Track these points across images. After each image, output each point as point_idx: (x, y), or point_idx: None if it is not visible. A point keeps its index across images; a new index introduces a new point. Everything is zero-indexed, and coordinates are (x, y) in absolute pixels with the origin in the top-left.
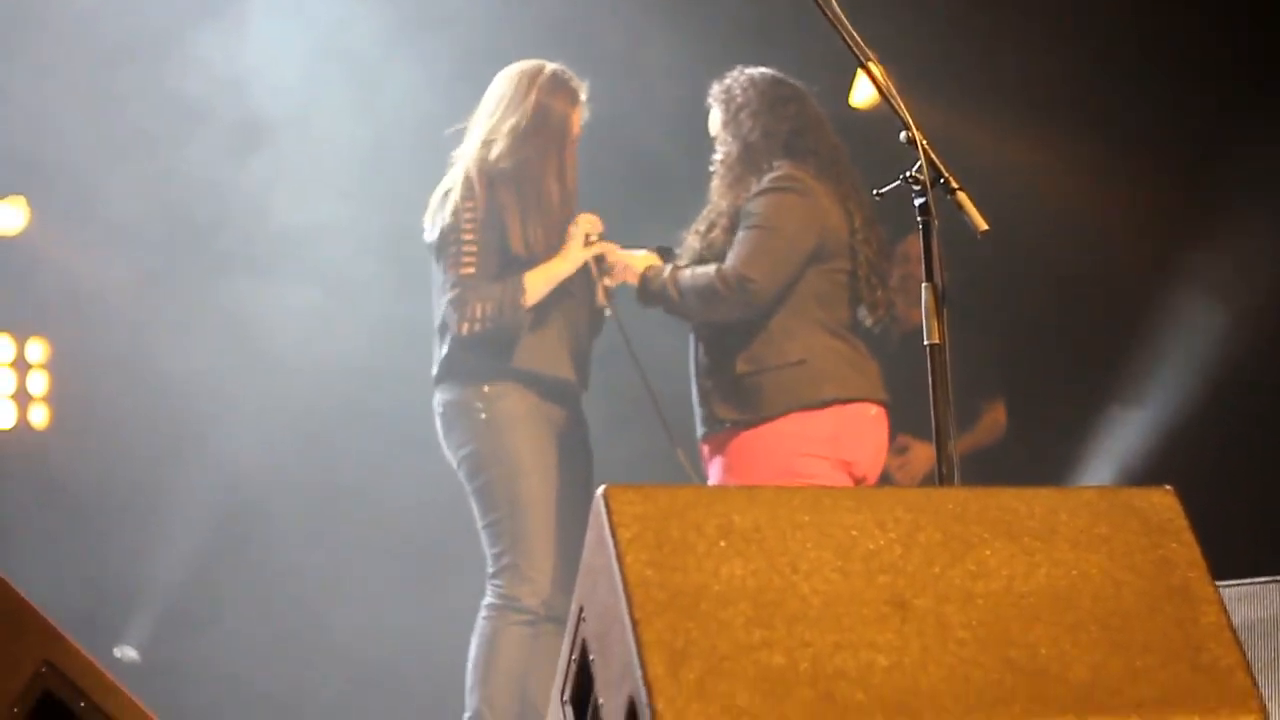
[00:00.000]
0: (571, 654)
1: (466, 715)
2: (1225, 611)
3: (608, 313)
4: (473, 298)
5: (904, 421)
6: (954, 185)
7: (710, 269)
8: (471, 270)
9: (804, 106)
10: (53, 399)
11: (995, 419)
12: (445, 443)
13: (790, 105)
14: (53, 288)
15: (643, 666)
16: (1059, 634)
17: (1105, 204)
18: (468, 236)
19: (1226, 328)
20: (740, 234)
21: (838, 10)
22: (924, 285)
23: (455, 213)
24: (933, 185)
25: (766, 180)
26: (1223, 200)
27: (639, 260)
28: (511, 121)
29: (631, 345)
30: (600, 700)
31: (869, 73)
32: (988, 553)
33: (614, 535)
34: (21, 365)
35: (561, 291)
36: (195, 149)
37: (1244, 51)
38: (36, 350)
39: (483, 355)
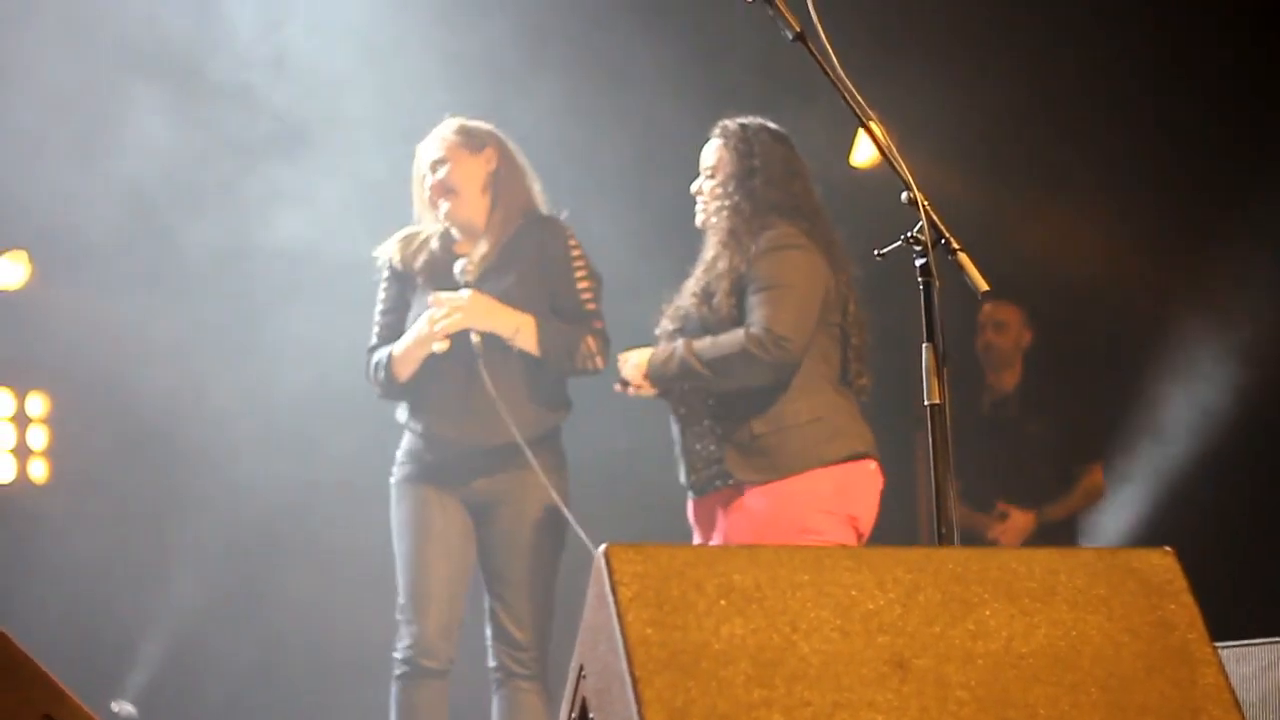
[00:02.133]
0: (571, 712)
1: None
2: (1224, 673)
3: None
4: (370, 360)
5: (1001, 490)
6: (955, 246)
7: (736, 334)
8: (377, 331)
9: (806, 176)
10: (52, 454)
11: (1094, 482)
12: None
13: (800, 179)
14: (53, 342)
15: None
16: (1058, 695)
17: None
18: (381, 290)
19: (1225, 391)
20: (757, 296)
21: (839, 69)
22: (924, 346)
23: (385, 269)
24: (934, 246)
25: (767, 239)
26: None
27: (638, 354)
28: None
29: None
30: None
31: (870, 132)
32: (987, 613)
33: (614, 593)
34: (21, 419)
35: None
36: (193, 206)
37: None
38: (37, 404)
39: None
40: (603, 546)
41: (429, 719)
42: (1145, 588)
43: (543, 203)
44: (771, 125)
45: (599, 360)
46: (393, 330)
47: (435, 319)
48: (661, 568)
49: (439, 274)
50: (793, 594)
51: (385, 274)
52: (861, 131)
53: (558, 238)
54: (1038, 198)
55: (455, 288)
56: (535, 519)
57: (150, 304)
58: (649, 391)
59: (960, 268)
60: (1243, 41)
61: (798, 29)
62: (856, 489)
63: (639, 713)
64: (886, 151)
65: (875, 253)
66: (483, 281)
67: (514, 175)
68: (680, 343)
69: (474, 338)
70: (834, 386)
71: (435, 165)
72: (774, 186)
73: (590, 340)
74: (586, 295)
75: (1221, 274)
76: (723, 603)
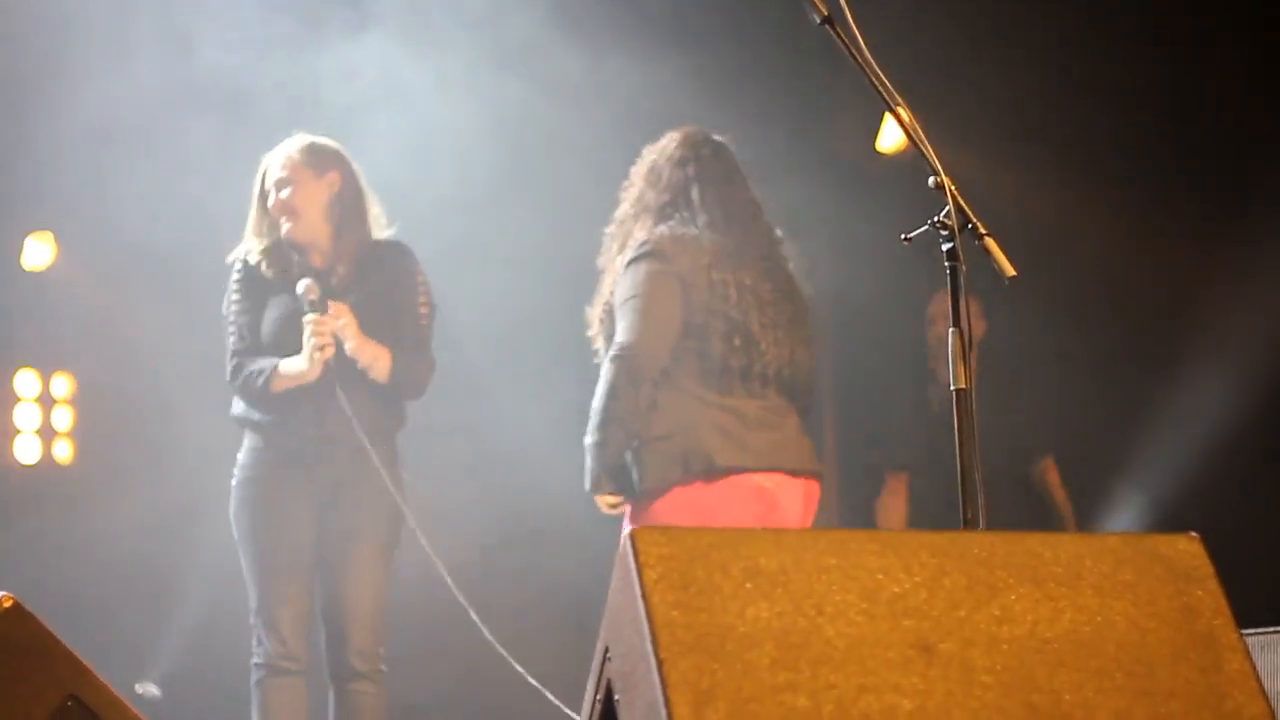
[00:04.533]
0: (596, 693)
1: None
2: (1250, 660)
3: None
4: (236, 366)
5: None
6: (982, 230)
7: (601, 379)
8: (233, 334)
9: (703, 166)
10: (77, 434)
11: (1048, 480)
12: None
13: (688, 167)
14: (79, 323)
15: (668, 707)
16: (1083, 680)
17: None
18: (234, 301)
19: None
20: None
21: (866, 54)
22: (950, 330)
23: (233, 278)
24: (960, 231)
25: (630, 249)
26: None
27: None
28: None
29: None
30: None
31: (897, 117)
32: (1013, 598)
33: (640, 576)
34: (46, 400)
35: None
36: (226, 183)
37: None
38: (62, 385)
39: (246, 417)
40: (628, 528)
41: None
42: (1171, 573)
43: (383, 227)
44: (692, 134)
45: (425, 385)
46: (252, 331)
47: (318, 346)
48: (687, 550)
49: (289, 284)
50: (818, 577)
51: (238, 274)
52: (888, 116)
53: (404, 261)
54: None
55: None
56: (374, 509)
57: (176, 285)
58: (624, 506)
59: (987, 253)
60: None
61: (825, 13)
62: (727, 505)
63: (664, 694)
64: (914, 135)
65: (902, 237)
66: (327, 301)
67: (356, 200)
68: (588, 448)
69: (331, 361)
70: (703, 398)
71: (279, 184)
72: (651, 188)
73: (425, 365)
74: (424, 319)
75: (1225, 264)
76: (748, 585)
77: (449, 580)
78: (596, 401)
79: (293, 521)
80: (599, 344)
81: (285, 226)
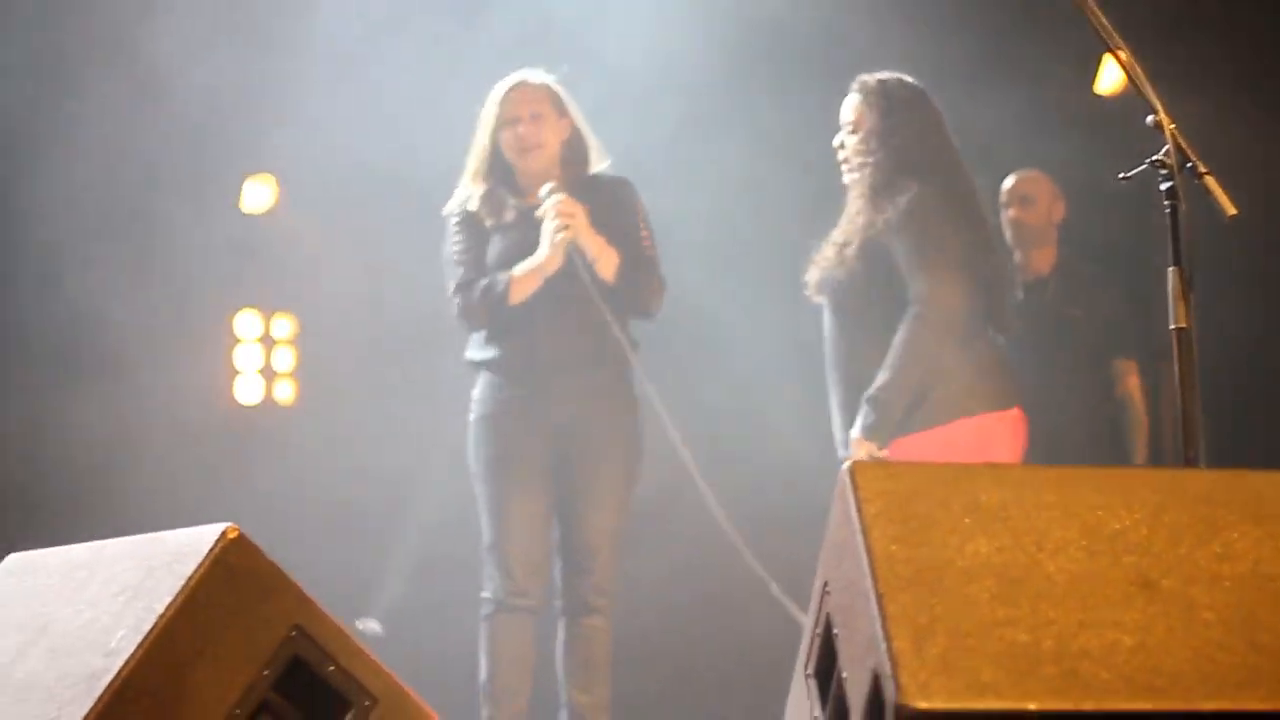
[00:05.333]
0: (816, 628)
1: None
2: None
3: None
4: (467, 293)
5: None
6: (1201, 169)
7: (897, 342)
8: (464, 265)
9: (943, 129)
10: (299, 375)
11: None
12: None
13: (938, 133)
14: (300, 264)
15: (887, 640)
16: None
17: None
18: (457, 236)
19: None
20: (913, 274)
21: None
22: (1171, 269)
23: (456, 214)
24: (1179, 170)
25: (907, 205)
26: None
27: (860, 447)
28: (471, 168)
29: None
30: (844, 674)
31: (1117, 58)
32: (1234, 535)
33: (859, 511)
34: (268, 341)
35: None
36: (446, 121)
37: None
38: (283, 326)
39: (481, 353)
40: (847, 463)
41: (511, 652)
42: None
43: (600, 158)
44: (908, 79)
45: (657, 303)
46: (477, 266)
47: (560, 227)
48: (906, 485)
49: (507, 229)
50: (1038, 513)
51: (458, 221)
52: (1107, 58)
53: (625, 190)
54: None
55: (528, 242)
56: (617, 448)
57: (394, 225)
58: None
59: (1207, 191)
60: None
61: None
62: (990, 444)
63: (883, 628)
64: (1133, 75)
65: (1119, 176)
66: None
67: (583, 139)
68: (870, 400)
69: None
70: (965, 342)
71: (523, 119)
72: (913, 143)
73: (655, 282)
74: (647, 244)
75: None
76: (967, 521)
77: (709, 497)
78: (897, 356)
79: (530, 457)
80: (827, 262)
81: (529, 156)
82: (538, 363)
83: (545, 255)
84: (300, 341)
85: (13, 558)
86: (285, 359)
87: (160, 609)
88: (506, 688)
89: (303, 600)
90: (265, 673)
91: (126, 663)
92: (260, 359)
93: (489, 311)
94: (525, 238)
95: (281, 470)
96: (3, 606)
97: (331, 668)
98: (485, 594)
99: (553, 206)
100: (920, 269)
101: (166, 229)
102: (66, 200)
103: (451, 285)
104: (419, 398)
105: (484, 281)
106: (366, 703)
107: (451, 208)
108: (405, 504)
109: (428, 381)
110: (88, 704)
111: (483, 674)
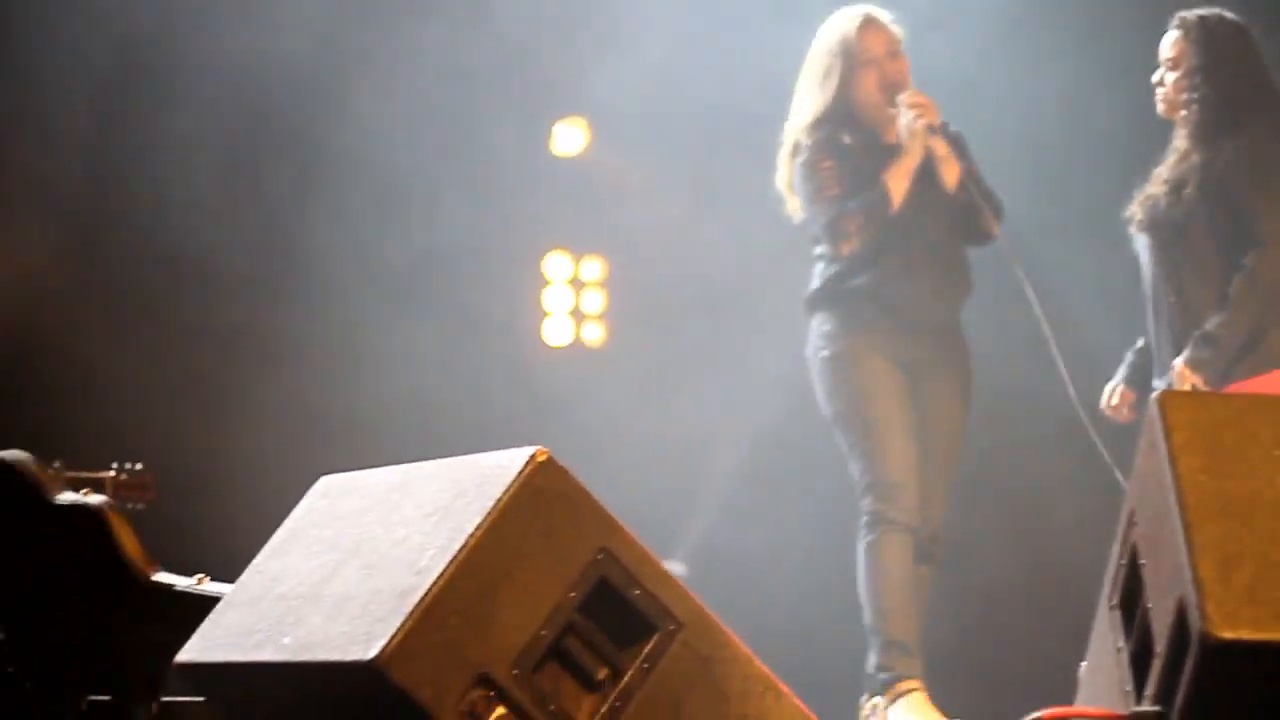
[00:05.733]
0: (1121, 558)
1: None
2: None
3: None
4: (845, 215)
5: None
6: None
7: (1240, 281)
8: (836, 191)
9: (1267, 66)
10: (608, 317)
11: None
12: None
13: (1264, 70)
14: (611, 207)
15: (1193, 570)
16: None
17: None
18: (826, 163)
19: None
20: (1256, 201)
21: None
22: None
23: (810, 149)
24: None
25: (1250, 154)
26: None
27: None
28: (818, 107)
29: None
30: (1149, 604)
31: None
32: None
33: (1167, 440)
34: (577, 283)
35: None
36: (769, 58)
37: None
38: (593, 268)
39: (837, 288)
40: (1156, 393)
41: (898, 570)
42: None
43: None
44: (1229, 15)
45: (996, 227)
46: (840, 182)
47: (918, 115)
48: (1215, 415)
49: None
50: None
51: (816, 150)
52: None
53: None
54: None
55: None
56: (958, 385)
57: (712, 165)
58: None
59: None
60: None
61: None
62: None
63: (1189, 559)
64: None
65: None
66: None
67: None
68: (1204, 335)
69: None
70: None
71: (889, 54)
72: (1242, 79)
73: (993, 201)
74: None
75: None
76: (1277, 452)
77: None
78: (1239, 293)
79: (892, 388)
80: (1155, 202)
81: (884, 94)
82: (901, 294)
83: (906, 147)
84: (609, 284)
85: (324, 480)
86: (594, 301)
87: (470, 529)
88: (895, 608)
89: (609, 523)
90: (571, 594)
91: (435, 581)
92: (571, 300)
93: (876, 225)
94: (878, 165)
95: (588, 413)
96: (315, 527)
97: (638, 591)
98: (866, 519)
99: (906, 98)
100: (1268, 212)
101: (486, 162)
102: (405, 120)
103: (820, 211)
104: (728, 343)
105: (862, 199)
106: (671, 627)
107: (802, 140)
108: (708, 444)
109: (739, 329)
110: (397, 621)
111: (869, 599)
